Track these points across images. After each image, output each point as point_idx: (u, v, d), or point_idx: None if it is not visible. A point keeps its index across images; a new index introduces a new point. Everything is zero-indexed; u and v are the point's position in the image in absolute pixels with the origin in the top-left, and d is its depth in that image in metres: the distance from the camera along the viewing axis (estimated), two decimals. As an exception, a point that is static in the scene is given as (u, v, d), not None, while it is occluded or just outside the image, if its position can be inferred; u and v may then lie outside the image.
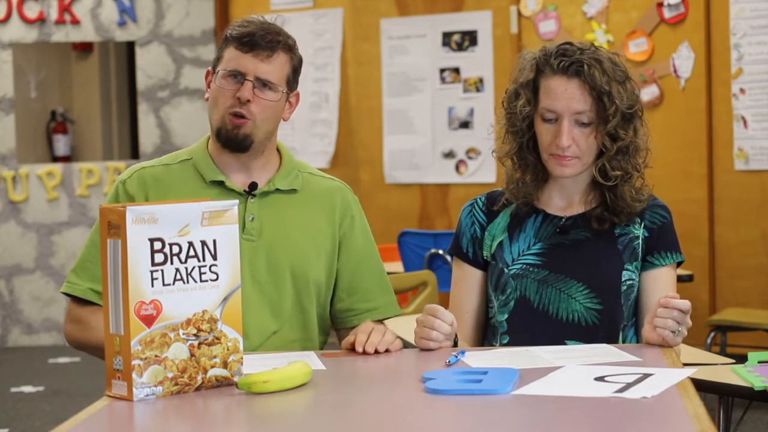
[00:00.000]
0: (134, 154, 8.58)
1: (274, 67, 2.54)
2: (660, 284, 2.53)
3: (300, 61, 2.62)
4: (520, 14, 6.65)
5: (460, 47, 6.86)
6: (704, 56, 6.08)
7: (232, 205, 2.05)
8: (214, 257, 2.02)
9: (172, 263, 1.97)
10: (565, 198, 2.58)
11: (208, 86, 2.60)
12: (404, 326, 3.69)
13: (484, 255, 2.60)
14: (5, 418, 5.48)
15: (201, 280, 2.01)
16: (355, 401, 1.98)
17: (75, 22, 7.37)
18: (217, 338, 2.03)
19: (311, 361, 2.23)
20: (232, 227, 2.05)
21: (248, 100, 2.51)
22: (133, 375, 1.94)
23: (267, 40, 2.53)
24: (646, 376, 2.00)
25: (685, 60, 6.14)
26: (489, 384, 1.96)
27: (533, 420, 1.82)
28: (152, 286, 1.95)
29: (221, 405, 1.96)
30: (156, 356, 1.96)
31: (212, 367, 2.02)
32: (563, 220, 2.55)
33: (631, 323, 2.55)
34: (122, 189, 2.60)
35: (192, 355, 2.00)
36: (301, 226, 2.60)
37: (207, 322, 2.01)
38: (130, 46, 8.19)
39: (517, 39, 6.66)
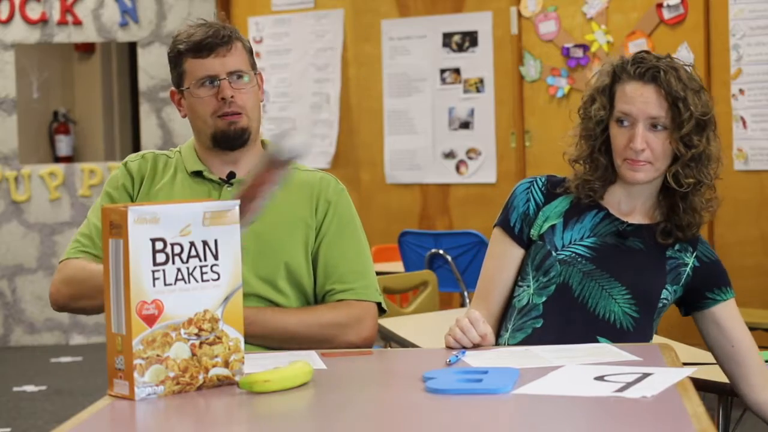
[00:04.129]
0: (135, 154, 8.58)
1: (238, 57, 2.64)
2: (735, 315, 2.59)
3: (249, 42, 2.72)
4: (520, 15, 6.66)
5: (460, 48, 6.87)
6: (703, 57, 6.09)
7: (234, 205, 2.07)
8: (216, 257, 2.03)
9: (173, 263, 1.98)
10: (630, 204, 2.60)
11: (179, 104, 2.69)
12: (404, 326, 3.71)
13: (531, 234, 2.61)
14: (7, 417, 5.49)
15: (202, 280, 2.01)
16: (355, 401, 1.99)
17: (77, 23, 7.38)
18: (219, 338, 2.03)
19: (312, 360, 2.24)
20: (234, 227, 2.06)
21: (232, 96, 2.60)
22: (135, 374, 1.94)
23: (220, 37, 2.62)
24: (645, 375, 2.00)
25: (684, 61, 6.14)
26: (489, 383, 1.96)
27: (533, 420, 1.83)
28: (154, 285, 1.96)
29: (222, 404, 1.97)
30: (157, 356, 1.96)
31: (213, 366, 2.03)
32: (625, 224, 2.58)
33: (652, 340, 2.60)
34: (124, 168, 2.71)
35: (193, 354, 2.00)
36: (276, 212, 2.63)
37: (208, 322, 2.02)
38: (131, 47, 8.20)
39: (517, 40, 6.67)
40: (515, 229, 2.62)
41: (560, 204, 2.62)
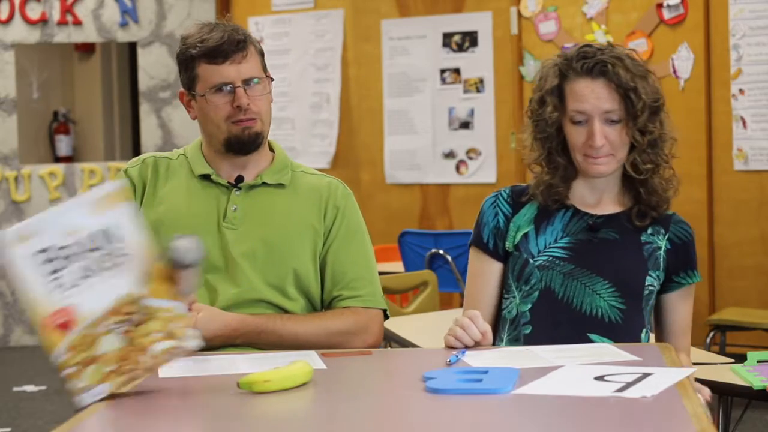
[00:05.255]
0: (136, 154, 8.58)
1: (252, 63, 2.60)
2: (687, 304, 2.60)
3: (259, 43, 2.69)
4: (520, 15, 6.67)
5: (460, 48, 6.87)
6: (703, 57, 6.09)
7: (119, 186, 2.02)
8: (119, 240, 1.98)
9: (70, 265, 1.95)
10: (596, 195, 2.60)
11: (188, 106, 2.66)
12: (404, 326, 3.71)
13: (506, 246, 2.61)
14: (8, 417, 5.49)
15: (110, 267, 1.97)
16: (355, 401, 1.99)
17: (77, 23, 7.39)
18: (148, 314, 1.99)
19: (312, 360, 2.24)
20: (127, 205, 2.01)
21: (248, 104, 2.57)
22: (73, 383, 1.93)
23: (235, 43, 2.59)
24: (645, 375, 2.00)
25: (684, 61, 6.15)
26: (489, 383, 1.96)
27: (533, 420, 1.83)
28: (54, 295, 1.93)
29: (222, 404, 1.97)
30: (89, 357, 1.94)
31: (153, 342, 1.98)
32: (595, 218, 2.58)
33: (648, 328, 2.58)
34: (124, 176, 2.68)
35: (130, 340, 1.97)
36: (285, 218, 2.63)
37: (132, 303, 1.98)
38: (131, 47, 8.20)
39: (517, 40, 6.67)
40: (489, 244, 2.62)
41: (528, 211, 2.61)
